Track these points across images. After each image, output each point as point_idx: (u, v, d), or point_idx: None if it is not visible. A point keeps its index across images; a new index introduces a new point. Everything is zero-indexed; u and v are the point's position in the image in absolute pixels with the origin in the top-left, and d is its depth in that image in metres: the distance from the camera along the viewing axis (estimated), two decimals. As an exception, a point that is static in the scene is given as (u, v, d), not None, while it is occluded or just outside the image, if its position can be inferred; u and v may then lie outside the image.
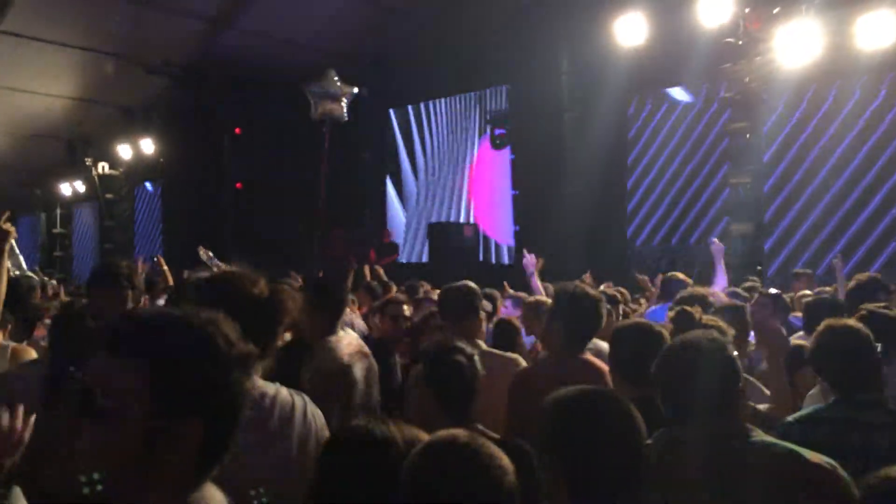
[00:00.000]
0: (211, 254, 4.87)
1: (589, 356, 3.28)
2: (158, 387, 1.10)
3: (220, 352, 1.15)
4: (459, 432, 1.46)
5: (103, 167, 17.08)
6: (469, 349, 2.57)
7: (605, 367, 3.15)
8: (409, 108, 15.83)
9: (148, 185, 18.26)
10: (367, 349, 3.61)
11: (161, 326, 1.16)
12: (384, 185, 16.22)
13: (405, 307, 4.69)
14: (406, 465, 1.42)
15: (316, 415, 2.16)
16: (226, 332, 1.17)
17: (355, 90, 10.94)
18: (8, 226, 3.20)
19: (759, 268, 8.93)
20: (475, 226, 13.44)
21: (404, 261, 14.89)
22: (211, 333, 1.16)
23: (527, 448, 2.00)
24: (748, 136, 9.04)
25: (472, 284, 3.85)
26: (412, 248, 15.81)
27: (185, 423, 1.11)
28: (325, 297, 3.56)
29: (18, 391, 2.56)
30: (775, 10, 8.21)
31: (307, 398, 2.18)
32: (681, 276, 5.83)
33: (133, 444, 1.09)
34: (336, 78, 10.99)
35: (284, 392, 2.10)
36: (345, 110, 11.07)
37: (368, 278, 8.00)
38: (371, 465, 1.45)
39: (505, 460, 1.40)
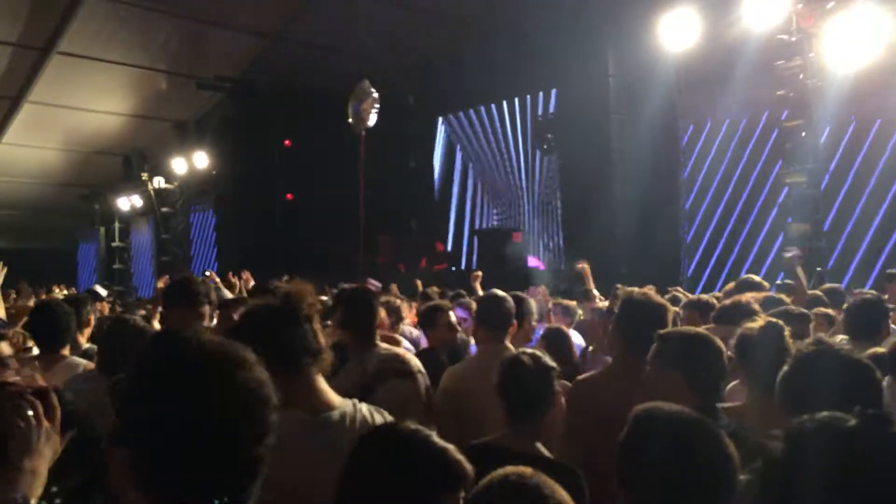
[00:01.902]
0: (213, 276, 4.84)
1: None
2: (120, 405, 1.16)
3: (184, 393, 1.07)
4: (526, 471, 1.43)
5: (159, 181, 17.50)
6: (546, 359, 2.53)
7: None
8: (457, 114, 15.85)
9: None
10: (409, 366, 3.33)
11: (159, 350, 1.18)
12: (431, 192, 16.25)
13: (451, 314, 4.57)
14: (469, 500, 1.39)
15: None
16: (209, 377, 1.10)
17: (374, 94, 10.95)
18: None
19: (818, 269, 8.64)
20: (523, 232, 13.36)
21: (453, 268, 14.90)
22: (187, 368, 1.10)
23: (577, 471, 1.96)
24: (804, 133, 8.79)
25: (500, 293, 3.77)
26: (459, 254, 15.82)
27: (117, 449, 1.10)
28: (348, 313, 3.40)
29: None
30: (829, 5, 7.98)
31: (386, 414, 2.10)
32: (756, 278, 5.60)
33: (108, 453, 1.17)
34: (367, 86, 11.04)
35: (364, 409, 2.05)
36: (371, 115, 11.08)
37: (420, 288, 7.94)
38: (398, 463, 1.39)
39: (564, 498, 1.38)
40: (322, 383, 1.97)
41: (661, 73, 10.41)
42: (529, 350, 2.65)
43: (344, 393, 2.91)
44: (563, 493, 1.38)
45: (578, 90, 12.05)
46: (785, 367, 2.14)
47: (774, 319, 2.90)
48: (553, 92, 13.46)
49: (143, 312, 4.93)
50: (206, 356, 1.12)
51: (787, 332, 2.75)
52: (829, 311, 5.17)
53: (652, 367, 2.64)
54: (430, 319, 4.44)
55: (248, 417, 1.10)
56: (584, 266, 6.65)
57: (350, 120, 11.15)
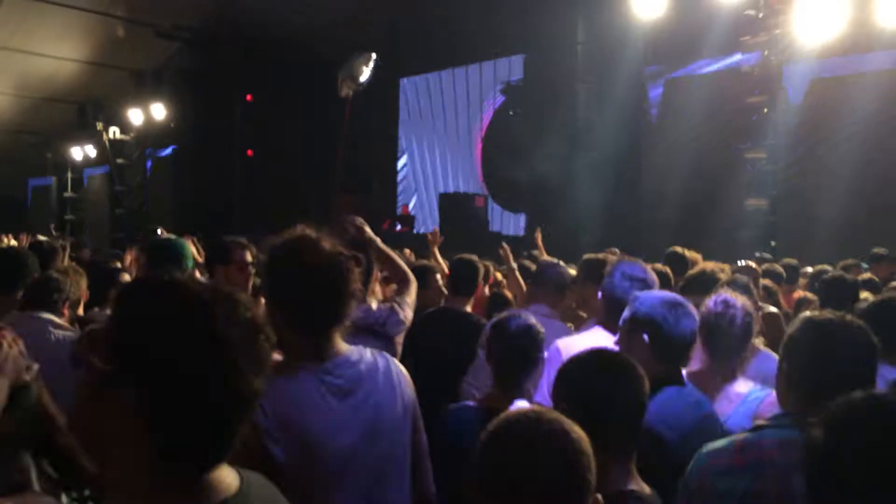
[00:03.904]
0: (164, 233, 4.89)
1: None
2: (112, 348, 1.05)
3: (186, 326, 1.04)
4: (532, 409, 1.42)
5: (114, 132, 17.02)
6: (532, 319, 2.62)
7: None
8: (422, 77, 15.67)
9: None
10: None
11: (148, 289, 1.11)
12: (394, 154, 16.12)
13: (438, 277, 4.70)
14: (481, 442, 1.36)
15: (402, 375, 2.07)
16: (211, 311, 1.06)
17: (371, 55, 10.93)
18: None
19: (772, 243, 8.85)
20: (486, 197, 13.35)
21: (417, 231, 14.87)
22: (185, 303, 1.07)
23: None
24: (765, 110, 8.90)
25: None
26: (423, 218, 15.77)
27: (118, 392, 1.02)
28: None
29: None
30: (797, -19, 8.04)
31: (390, 358, 2.09)
32: (679, 250, 5.57)
33: (86, 405, 1.06)
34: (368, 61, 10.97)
35: (368, 354, 2.02)
36: (365, 70, 11.04)
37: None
38: None
39: (576, 429, 1.37)
40: None
41: (631, 43, 10.40)
42: (519, 313, 2.74)
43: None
44: (577, 429, 1.35)
45: (546, 56, 11.98)
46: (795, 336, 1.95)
47: (729, 290, 2.93)
48: (521, 58, 13.36)
49: (117, 264, 4.85)
50: (198, 292, 1.10)
51: (741, 301, 2.80)
52: (768, 282, 5.21)
53: (622, 330, 2.62)
54: (421, 280, 4.46)
55: (243, 350, 1.08)
56: (537, 234, 6.84)
57: (339, 81, 11.08)
